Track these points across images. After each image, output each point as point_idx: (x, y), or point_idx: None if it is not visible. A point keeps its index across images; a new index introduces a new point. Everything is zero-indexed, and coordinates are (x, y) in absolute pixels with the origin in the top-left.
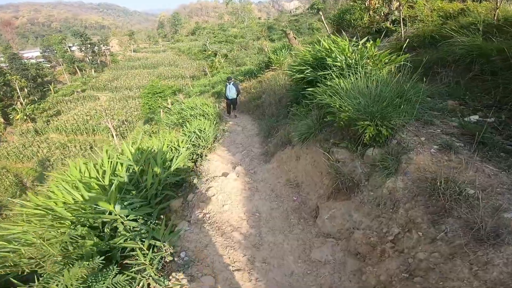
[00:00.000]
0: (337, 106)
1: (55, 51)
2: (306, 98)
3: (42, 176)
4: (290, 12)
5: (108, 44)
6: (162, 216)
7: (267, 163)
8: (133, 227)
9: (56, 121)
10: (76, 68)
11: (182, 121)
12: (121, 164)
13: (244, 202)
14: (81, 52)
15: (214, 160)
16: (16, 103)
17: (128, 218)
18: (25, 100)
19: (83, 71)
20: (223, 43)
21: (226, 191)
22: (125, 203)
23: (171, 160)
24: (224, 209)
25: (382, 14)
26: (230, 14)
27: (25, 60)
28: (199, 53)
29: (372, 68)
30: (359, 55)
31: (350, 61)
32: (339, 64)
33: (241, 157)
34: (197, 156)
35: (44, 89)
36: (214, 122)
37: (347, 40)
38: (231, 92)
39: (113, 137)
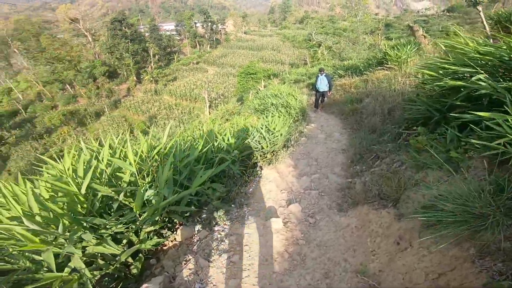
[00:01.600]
0: None
1: (185, 26)
2: (457, 125)
3: (146, 131)
4: (418, 12)
5: (224, 24)
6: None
7: (341, 213)
8: None
9: (171, 85)
10: (197, 42)
11: (264, 107)
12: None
13: None
14: (202, 28)
15: (268, 180)
16: (148, 66)
17: None
18: (154, 65)
19: (201, 46)
20: (329, 35)
21: (251, 253)
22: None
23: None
24: None
25: None
26: (342, 7)
27: (162, 32)
28: (303, 42)
29: None
30: None
31: None
32: None
33: (307, 184)
34: (249, 167)
35: (170, 58)
36: (293, 119)
37: None
38: (322, 84)
39: (208, 107)
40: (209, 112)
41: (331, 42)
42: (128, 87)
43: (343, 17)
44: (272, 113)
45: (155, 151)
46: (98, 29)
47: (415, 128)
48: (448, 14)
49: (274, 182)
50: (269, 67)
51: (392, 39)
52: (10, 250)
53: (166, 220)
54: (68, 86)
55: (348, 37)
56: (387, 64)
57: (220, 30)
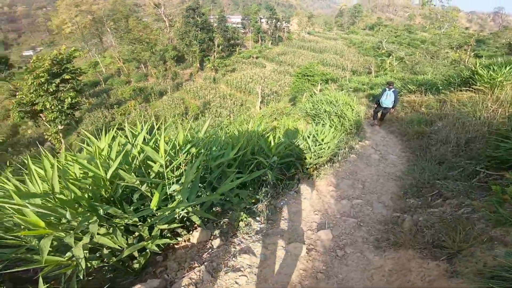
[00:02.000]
0: None
1: (250, 20)
2: None
3: (200, 114)
4: None
5: (289, 22)
6: None
7: (377, 251)
8: None
9: (229, 76)
10: (259, 37)
11: (316, 113)
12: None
13: None
14: (266, 24)
15: (303, 197)
16: (211, 55)
17: None
18: (217, 55)
19: (263, 41)
20: (403, 45)
21: (261, 278)
22: None
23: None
24: None
25: None
26: (424, 17)
27: (228, 24)
28: (371, 49)
29: None
30: None
31: None
32: None
33: (347, 209)
34: (286, 178)
35: (233, 49)
36: (345, 132)
37: None
38: (388, 100)
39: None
40: (260, 107)
41: (403, 53)
42: (191, 72)
43: (423, 28)
44: (323, 121)
45: (189, 145)
46: (175, 16)
47: (500, 171)
48: None
49: (310, 200)
50: (329, 71)
51: (482, 56)
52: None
53: (184, 220)
54: (142, 65)
55: (426, 50)
56: (475, 85)
57: (284, 28)
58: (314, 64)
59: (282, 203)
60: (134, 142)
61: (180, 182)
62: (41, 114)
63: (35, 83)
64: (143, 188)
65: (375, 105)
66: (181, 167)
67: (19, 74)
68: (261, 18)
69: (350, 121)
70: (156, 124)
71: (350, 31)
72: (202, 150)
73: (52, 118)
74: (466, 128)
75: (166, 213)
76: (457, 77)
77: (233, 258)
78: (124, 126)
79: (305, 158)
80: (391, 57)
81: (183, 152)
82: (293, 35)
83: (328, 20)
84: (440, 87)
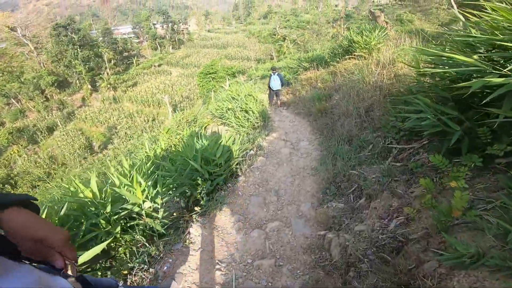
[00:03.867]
0: None
1: (143, 28)
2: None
3: (108, 142)
4: (373, 1)
5: (187, 23)
6: None
7: None
8: None
9: (131, 91)
10: (157, 44)
11: (220, 113)
12: None
13: None
14: (162, 29)
15: (197, 248)
16: (104, 73)
17: None
18: (111, 71)
19: (163, 47)
20: (293, 28)
21: None
22: None
23: None
24: None
25: None
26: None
27: (116, 36)
28: (268, 37)
29: None
30: None
31: None
32: None
33: (259, 246)
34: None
35: (129, 62)
36: (252, 126)
37: None
38: (275, 83)
39: (173, 112)
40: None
41: (295, 35)
42: (82, 96)
43: (305, 10)
44: (228, 121)
45: None
46: (45, 37)
47: (411, 142)
48: (400, 2)
49: (207, 249)
50: (234, 65)
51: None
52: None
53: None
54: (13, 100)
55: (312, 29)
56: (355, 52)
57: (182, 30)
58: (217, 60)
59: (166, 267)
60: None
61: None
62: None
63: None
64: None
65: (269, 91)
66: None
67: None
68: (154, 24)
69: (255, 114)
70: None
71: (248, 22)
72: None
73: None
74: (360, 95)
75: None
76: (339, 48)
77: None
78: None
79: (192, 194)
80: (286, 41)
81: None
82: (194, 35)
83: (225, 15)
84: (328, 60)
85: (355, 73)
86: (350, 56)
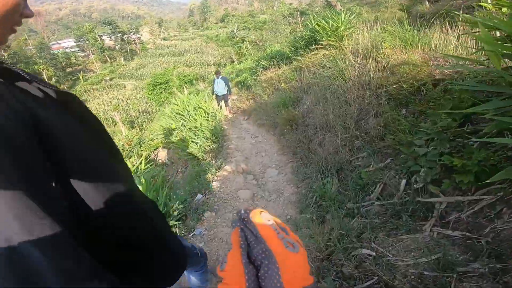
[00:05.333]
0: None
1: (88, 40)
2: None
3: None
4: None
5: (139, 33)
6: None
7: None
8: None
9: None
10: (107, 56)
11: (165, 134)
12: None
13: None
14: (111, 40)
15: None
16: None
17: None
18: None
19: (113, 60)
20: (251, 29)
21: None
22: None
23: None
24: None
25: None
26: (260, 1)
27: (55, 51)
28: (227, 40)
29: None
30: None
31: None
32: None
33: None
34: None
35: (74, 78)
36: (203, 154)
37: None
38: (220, 88)
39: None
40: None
41: (253, 36)
42: None
43: (262, 10)
44: (173, 146)
45: None
46: None
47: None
48: None
49: None
50: (192, 72)
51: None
52: None
53: None
54: None
55: (270, 29)
56: (321, 41)
57: (134, 40)
58: (169, 69)
59: None
60: None
61: None
62: None
63: None
64: None
65: (216, 98)
66: None
67: None
68: (101, 35)
69: (205, 134)
70: None
71: (205, 27)
72: None
73: None
74: (341, 97)
75: None
76: (301, 40)
77: None
78: None
79: None
80: (245, 42)
81: None
82: (148, 44)
83: (181, 22)
84: (290, 55)
85: (326, 67)
86: (316, 46)
